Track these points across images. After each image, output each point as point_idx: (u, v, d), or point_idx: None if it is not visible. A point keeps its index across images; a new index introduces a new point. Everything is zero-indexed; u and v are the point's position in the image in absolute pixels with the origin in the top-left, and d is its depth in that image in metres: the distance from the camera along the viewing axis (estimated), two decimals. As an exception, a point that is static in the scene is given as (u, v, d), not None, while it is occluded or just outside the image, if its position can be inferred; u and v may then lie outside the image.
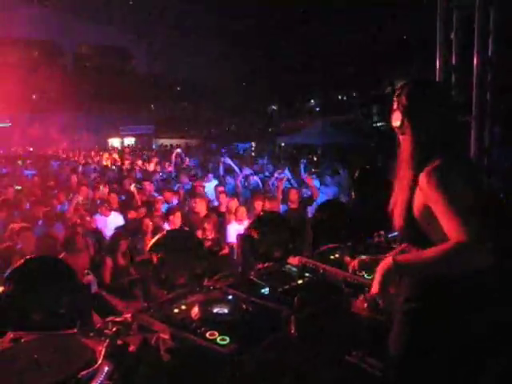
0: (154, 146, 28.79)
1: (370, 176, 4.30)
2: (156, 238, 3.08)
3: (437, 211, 1.86)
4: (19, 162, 15.62)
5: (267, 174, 11.86)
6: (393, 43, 24.13)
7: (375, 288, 1.98)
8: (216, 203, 8.30)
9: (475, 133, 4.84)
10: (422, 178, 1.90)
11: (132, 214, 7.15)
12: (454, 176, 1.87)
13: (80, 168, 13.13)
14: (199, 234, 6.58)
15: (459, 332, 1.96)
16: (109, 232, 6.55)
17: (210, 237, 6.63)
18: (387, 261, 1.96)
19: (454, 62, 5.06)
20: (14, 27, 25.15)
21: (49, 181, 10.93)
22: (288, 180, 9.53)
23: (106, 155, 17.49)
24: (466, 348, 1.97)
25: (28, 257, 2.73)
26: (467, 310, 1.95)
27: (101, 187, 9.07)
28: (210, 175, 10.76)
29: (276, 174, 9.62)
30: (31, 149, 21.41)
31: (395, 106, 2.08)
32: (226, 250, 6.55)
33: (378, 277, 1.97)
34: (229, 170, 11.13)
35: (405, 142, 2.07)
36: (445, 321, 1.97)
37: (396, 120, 2.07)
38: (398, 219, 2.05)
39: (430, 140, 1.98)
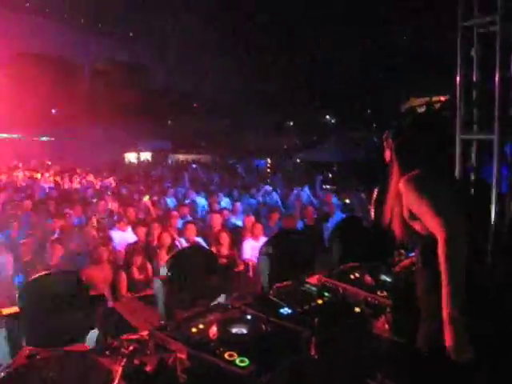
0: (170, 162, 28.93)
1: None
2: (171, 256, 3.05)
3: (417, 213, 2.24)
4: (37, 176, 15.77)
5: (279, 191, 11.78)
6: (410, 58, 24.04)
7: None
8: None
9: (497, 150, 4.73)
10: (401, 184, 2.32)
11: (142, 230, 7.01)
12: (427, 181, 2.30)
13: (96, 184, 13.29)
14: (214, 249, 6.55)
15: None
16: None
17: (224, 253, 6.60)
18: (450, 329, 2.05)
19: (474, 78, 4.97)
20: (33, 42, 25.65)
21: (64, 195, 11.04)
22: (308, 197, 9.51)
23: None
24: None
25: (44, 271, 2.73)
26: None
27: (109, 203, 9.15)
28: (221, 195, 10.65)
29: (295, 191, 9.60)
30: (49, 162, 21.60)
31: (385, 146, 2.60)
32: (241, 267, 6.50)
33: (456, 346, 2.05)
34: (246, 188, 11.14)
35: (393, 170, 2.51)
36: None
37: (387, 157, 2.57)
38: (397, 228, 2.43)
39: (411, 166, 2.40)
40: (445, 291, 2.05)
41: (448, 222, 2.12)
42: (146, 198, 9.11)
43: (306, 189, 9.92)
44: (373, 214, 3.83)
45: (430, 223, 2.17)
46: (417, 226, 2.29)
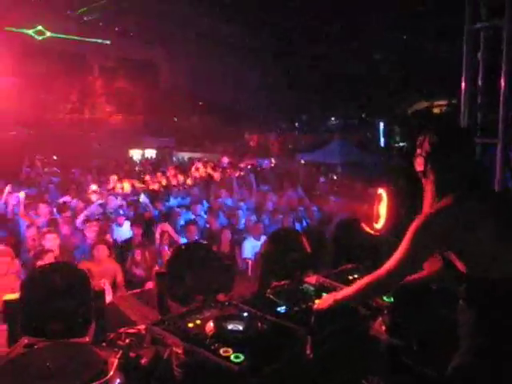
0: (174, 159, 28.91)
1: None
2: (172, 251, 3.06)
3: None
4: (45, 170, 15.85)
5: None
6: (415, 64, 23.98)
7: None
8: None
9: (500, 156, 4.72)
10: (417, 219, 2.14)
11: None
12: (425, 227, 2.07)
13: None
14: (214, 248, 6.58)
15: None
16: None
17: (224, 251, 6.62)
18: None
19: (480, 83, 4.97)
20: (42, 39, 25.76)
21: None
22: (301, 198, 9.52)
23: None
24: None
25: (45, 263, 2.74)
26: None
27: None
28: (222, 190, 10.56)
29: (289, 192, 9.61)
30: (55, 157, 21.59)
31: (418, 152, 2.24)
32: (240, 265, 6.53)
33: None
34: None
35: (427, 185, 2.23)
36: None
37: (419, 165, 2.23)
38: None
39: (448, 183, 2.15)
40: (364, 284, 2.27)
41: (407, 264, 2.13)
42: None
43: (299, 189, 9.91)
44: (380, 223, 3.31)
45: (399, 248, 2.13)
46: (456, 263, 2.08)
